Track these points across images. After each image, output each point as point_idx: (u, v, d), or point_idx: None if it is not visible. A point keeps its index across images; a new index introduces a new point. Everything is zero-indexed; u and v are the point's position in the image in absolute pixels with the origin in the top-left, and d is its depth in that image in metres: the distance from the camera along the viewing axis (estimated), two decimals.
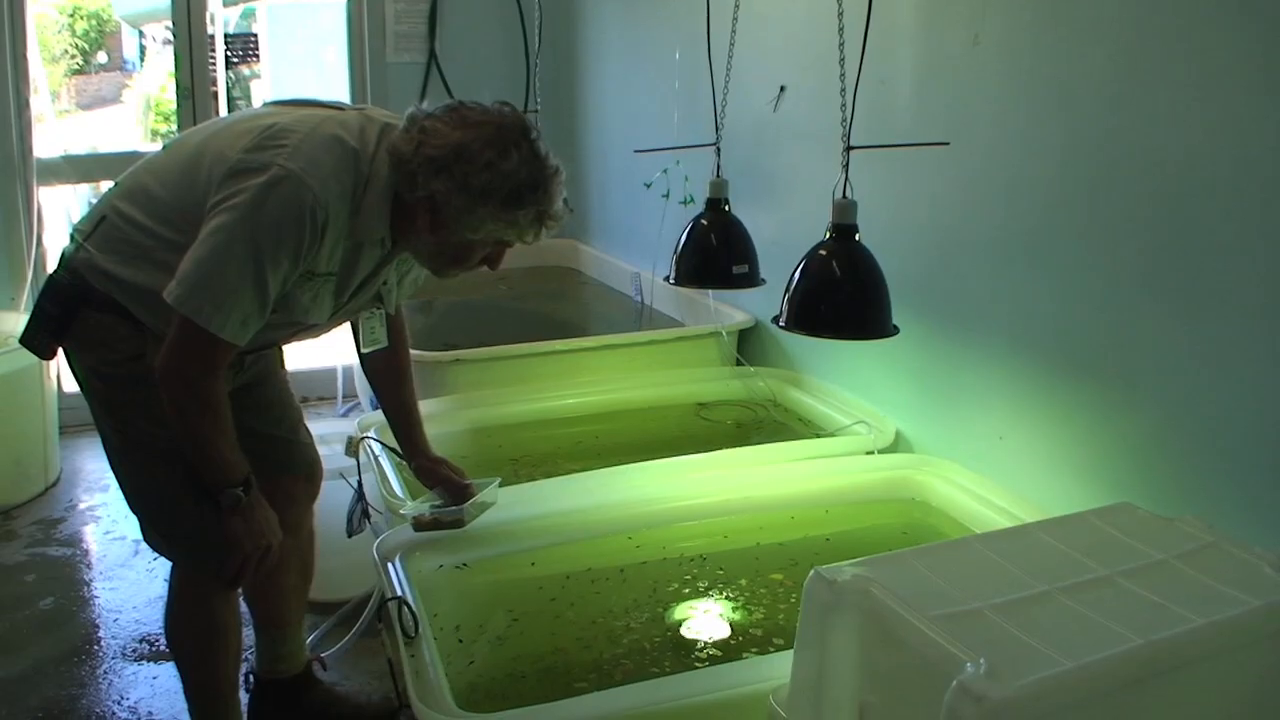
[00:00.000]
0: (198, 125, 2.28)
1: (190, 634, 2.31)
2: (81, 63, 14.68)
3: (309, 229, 1.92)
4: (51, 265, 4.55)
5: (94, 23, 14.74)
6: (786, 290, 1.97)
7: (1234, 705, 1.35)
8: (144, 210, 2.05)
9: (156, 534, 2.24)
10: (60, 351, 2.16)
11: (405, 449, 2.46)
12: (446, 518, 2.25)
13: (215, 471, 2.03)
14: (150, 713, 2.76)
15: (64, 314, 2.09)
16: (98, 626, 3.18)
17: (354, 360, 3.92)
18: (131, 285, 2.03)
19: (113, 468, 2.23)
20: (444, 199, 1.94)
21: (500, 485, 2.32)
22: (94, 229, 2.08)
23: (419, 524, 2.25)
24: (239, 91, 9.49)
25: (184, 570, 2.28)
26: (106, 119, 13.46)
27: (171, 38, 4.51)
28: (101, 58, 15.01)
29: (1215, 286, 1.90)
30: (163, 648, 3.03)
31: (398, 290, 2.33)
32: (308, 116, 2.02)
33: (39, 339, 2.12)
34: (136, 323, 2.06)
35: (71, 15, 14.21)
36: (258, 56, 9.44)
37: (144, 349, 2.06)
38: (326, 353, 4.52)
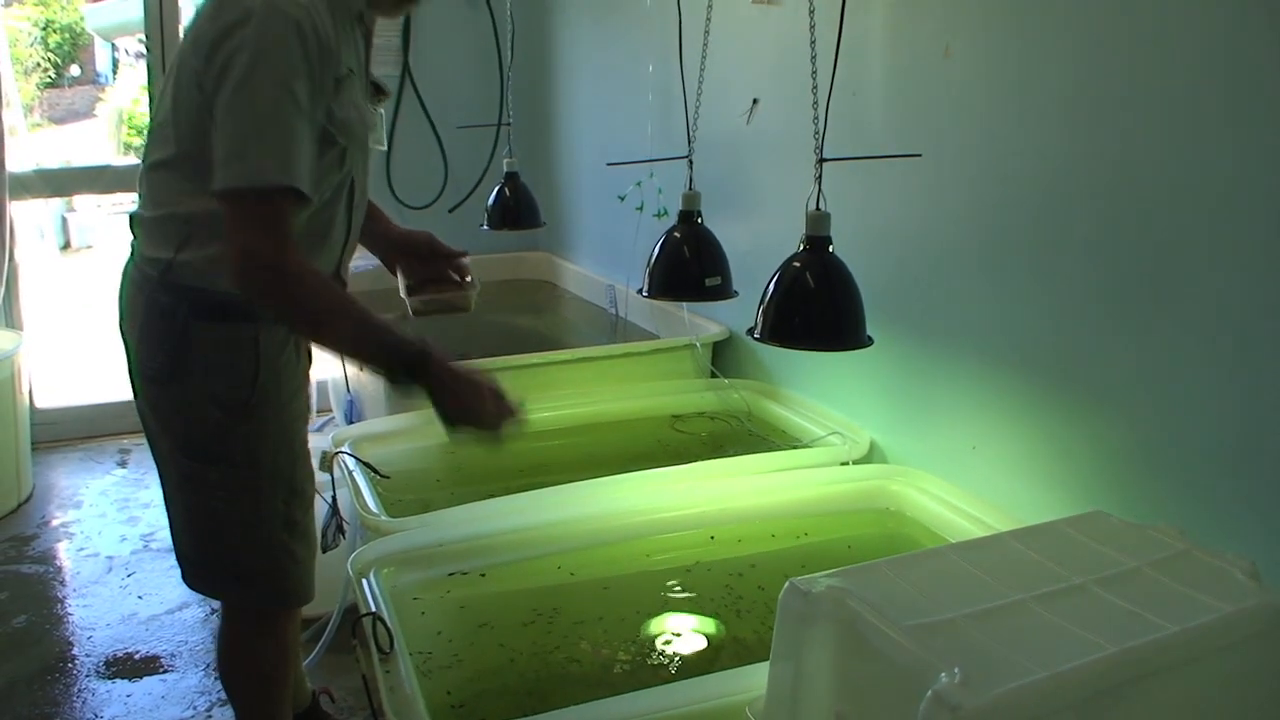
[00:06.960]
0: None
1: (260, 669, 2.23)
2: (54, 76, 14.59)
3: (310, 38, 1.80)
4: (24, 280, 4.54)
5: (67, 36, 14.66)
6: (761, 302, 1.97)
7: (1208, 712, 1.35)
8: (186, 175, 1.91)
9: (225, 571, 2.12)
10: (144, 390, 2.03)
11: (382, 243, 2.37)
12: (459, 303, 2.24)
13: (389, 349, 1.90)
14: None
15: (177, 337, 1.95)
16: (71, 644, 3.16)
17: (328, 375, 3.91)
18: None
19: (185, 503, 2.09)
20: None
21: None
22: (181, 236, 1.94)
23: (419, 310, 2.20)
24: None
25: (256, 603, 2.19)
26: (79, 132, 13.39)
27: (145, 51, 4.49)
28: (74, 71, 14.94)
29: (1181, 299, 1.91)
30: (136, 663, 3.01)
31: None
32: None
33: (156, 368, 1.98)
34: (254, 330, 1.98)
35: (44, 28, 14.13)
36: None
37: (260, 367, 1.99)
38: None
